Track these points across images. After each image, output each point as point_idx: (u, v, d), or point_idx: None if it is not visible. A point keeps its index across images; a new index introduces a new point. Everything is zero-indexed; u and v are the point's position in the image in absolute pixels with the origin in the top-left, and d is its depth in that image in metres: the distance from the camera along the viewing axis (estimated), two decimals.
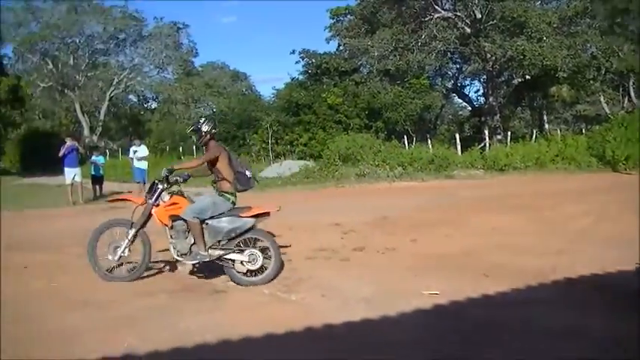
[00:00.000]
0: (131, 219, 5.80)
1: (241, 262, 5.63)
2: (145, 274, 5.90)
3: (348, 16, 33.88)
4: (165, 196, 5.76)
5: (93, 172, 16.34)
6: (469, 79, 36.88)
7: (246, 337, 4.05)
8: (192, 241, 5.64)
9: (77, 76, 43.17)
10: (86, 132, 42.32)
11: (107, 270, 5.77)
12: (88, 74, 43.64)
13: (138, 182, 15.55)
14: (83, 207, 13.71)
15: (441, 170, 19.62)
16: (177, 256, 5.69)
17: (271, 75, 74.55)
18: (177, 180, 5.87)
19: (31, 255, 7.10)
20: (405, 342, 3.99)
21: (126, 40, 44.05)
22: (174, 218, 5.67)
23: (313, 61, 32.13)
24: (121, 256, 5.74)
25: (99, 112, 44.91)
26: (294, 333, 4.17)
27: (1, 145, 34.90)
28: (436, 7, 27.90)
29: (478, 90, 45.94)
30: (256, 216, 5.71)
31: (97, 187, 16.29)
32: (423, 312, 4.61)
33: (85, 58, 43.44)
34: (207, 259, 5.65)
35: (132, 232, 5.72)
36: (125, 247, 5.72)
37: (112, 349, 3.86)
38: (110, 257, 5.72)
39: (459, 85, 36.08)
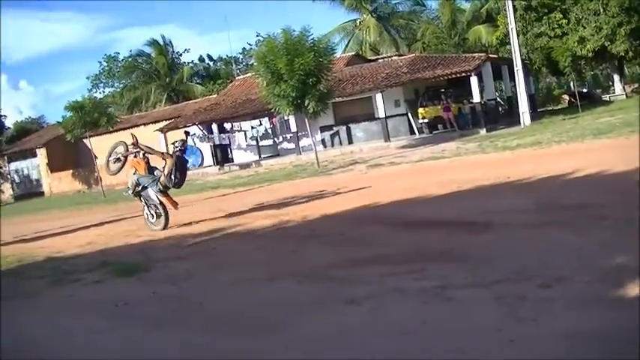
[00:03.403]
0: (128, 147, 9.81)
1: (148, 214, 9.37)
2: None
3: None
4: (144, 156, 9.54)
5: None
6: None
7: None
8: (134, 185, 9.45)
9: None
10: None
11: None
12: None
13: None
14: None
15: None
16: (127, 187, 9.69)
17: None
18: (146, 151, 9.63)
19: None
20: None
21: None
22: (134, 170, 9.47)
23: None
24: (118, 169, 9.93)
25: None
26: None
27: None
28: None
29: None
30: (166, 197, 9.28)
31: None
32: None
33: None
34: (133, 198, 9.82)
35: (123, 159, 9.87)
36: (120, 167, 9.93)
37: None
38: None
39: None
